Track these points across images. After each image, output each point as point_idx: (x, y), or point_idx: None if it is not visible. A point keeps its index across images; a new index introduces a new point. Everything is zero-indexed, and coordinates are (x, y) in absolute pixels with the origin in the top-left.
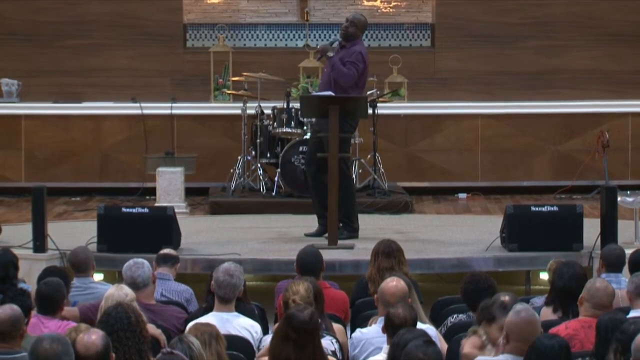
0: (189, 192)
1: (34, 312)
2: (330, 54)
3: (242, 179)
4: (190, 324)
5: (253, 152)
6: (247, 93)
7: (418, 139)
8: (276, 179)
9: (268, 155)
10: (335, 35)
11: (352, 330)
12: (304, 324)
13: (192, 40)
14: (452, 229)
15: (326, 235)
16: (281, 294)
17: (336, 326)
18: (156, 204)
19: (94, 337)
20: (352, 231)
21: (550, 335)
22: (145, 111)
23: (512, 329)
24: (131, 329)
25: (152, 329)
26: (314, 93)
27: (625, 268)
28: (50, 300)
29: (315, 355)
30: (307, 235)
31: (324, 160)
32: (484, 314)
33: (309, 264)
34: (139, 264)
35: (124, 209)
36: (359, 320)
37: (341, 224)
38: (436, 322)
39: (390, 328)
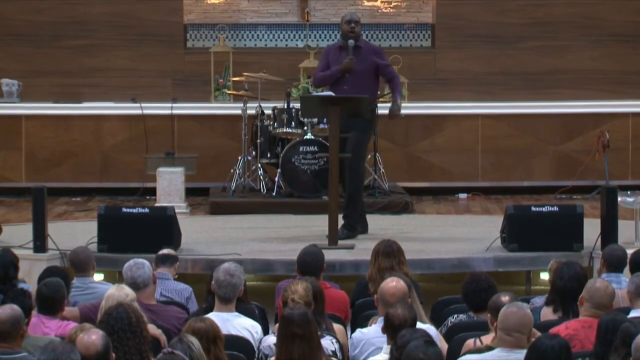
0: (189, 193)
1: (34, 312)
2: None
3: (242, 179)
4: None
5: (253, 152)
6: (248, 93)
7: (418, 139)
8: (276, 179)
9: (268, 155)
10: (337, 36)
11: (353, 331)
12: (305, 316)
13: (192, 41)
14: (453, 229)
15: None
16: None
17: (336, 326)
18: (156, 204)
19: (94, 337)
20: (352, 230)
21: (550, 335)
22: (146, 111)
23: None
24: (132, 329)
25: (152, 329)
26: (315, 93)
27: (626, 268)
28: (50, 301)
29: (319, 347)
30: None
31: (347, 160)
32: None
33: (309, 264)
34: (139, 264)
35: (124, 209)
36: (359, 320)
37: (350, 224)
38: (436, 322)
39: (389, 328)
